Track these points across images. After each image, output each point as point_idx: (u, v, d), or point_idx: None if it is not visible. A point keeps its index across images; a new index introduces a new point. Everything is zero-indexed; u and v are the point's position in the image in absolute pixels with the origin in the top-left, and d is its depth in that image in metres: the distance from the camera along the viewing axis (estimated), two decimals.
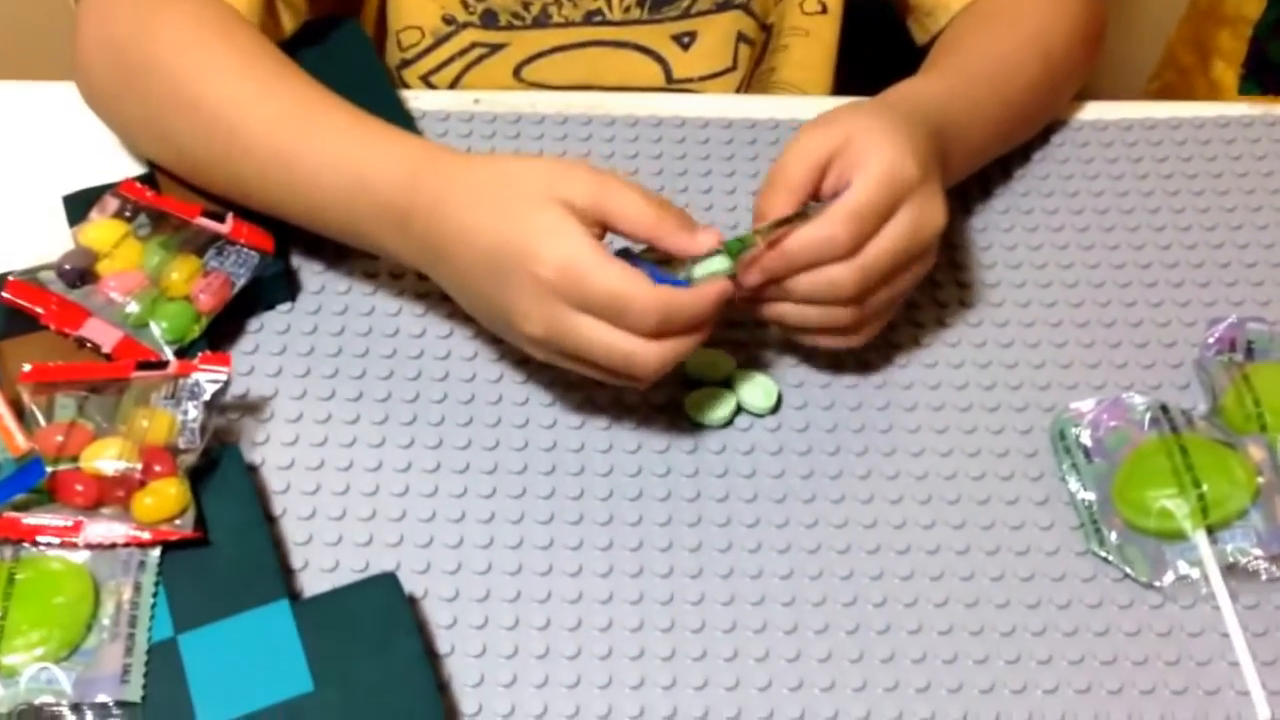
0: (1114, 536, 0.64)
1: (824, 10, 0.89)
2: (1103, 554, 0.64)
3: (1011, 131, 0.79)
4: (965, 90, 0.74)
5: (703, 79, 0.88)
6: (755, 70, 0.91)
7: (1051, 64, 0.78)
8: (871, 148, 0.64)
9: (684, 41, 0.86)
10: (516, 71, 0.87)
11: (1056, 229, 0.78)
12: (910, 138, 0.66)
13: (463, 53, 0.86)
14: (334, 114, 0.68)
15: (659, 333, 0.60)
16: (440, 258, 0.64)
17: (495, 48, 0.85)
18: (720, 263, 0.62)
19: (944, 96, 0.72)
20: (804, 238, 0.63)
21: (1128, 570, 0.63)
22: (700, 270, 0.62)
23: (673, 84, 0.88)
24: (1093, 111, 0.84)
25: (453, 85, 0.87)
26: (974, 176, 0.79)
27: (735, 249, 0.63)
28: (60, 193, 0.73)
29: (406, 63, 0.87)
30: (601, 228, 0.62)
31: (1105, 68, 0.86)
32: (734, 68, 0.88)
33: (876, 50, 0.94)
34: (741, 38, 0.87)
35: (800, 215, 0.64)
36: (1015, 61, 0.77)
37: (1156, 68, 1.24)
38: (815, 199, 0.65)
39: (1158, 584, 0.63)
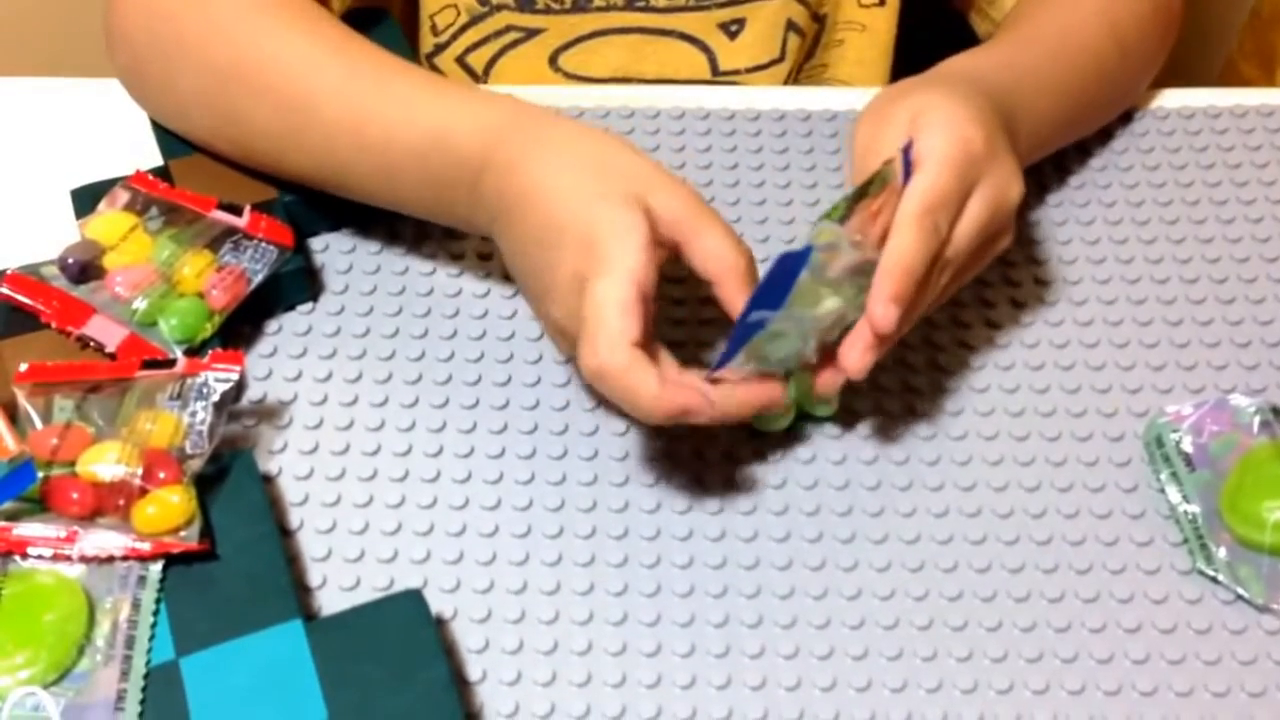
0: (1223, 553, 0.57)
1: (881, 2, 0.83)
2: (1211, 573, 0.57)
3: (1082, 106, 0.72)
4: (1027, 57, 0.69)
5: (750, 70, 0.83)
6: (805, 64, 0.85)
7: (1120, 38, 0.73)
8: (933, 128, 0.59)
9: (731, 30, 0.81)
10: (553, 59, 0.82)
11: (1142, 222, 0.72)
12: (971, 108, 0.60)
13: (497, 34, 0.81)
14: (409, 72, 0.64)
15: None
16: (504, 215, 0.59)
17: (531, 32, 0.81)
18: (833, 302, 0.57)
19: (1004, 63, 0.67)
20: (900, 249, 0.56)
21: (1240, 591, 0.57)
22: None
23: (718, 76, 0.83)
24: (1177, 99, 0.78)
25: (487, 70, 0.83)
26: (1052, 167, 0.73)
27: (835, 215, 0.57)
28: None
29: (440, 48, 0.83)
30: (673, 251, 0.58)
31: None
32: (782, 59, 0.83)
33: (934, 45, 0.89)
34: (792, 26, 0.82)
35: (877, 176, 0.58)
36: (1080, 33, 0.72)
37: (1217, 83, 1.18)
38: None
39: (1276, 606, 0.56)
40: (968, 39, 0.83)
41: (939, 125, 0.59)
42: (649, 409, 0.55)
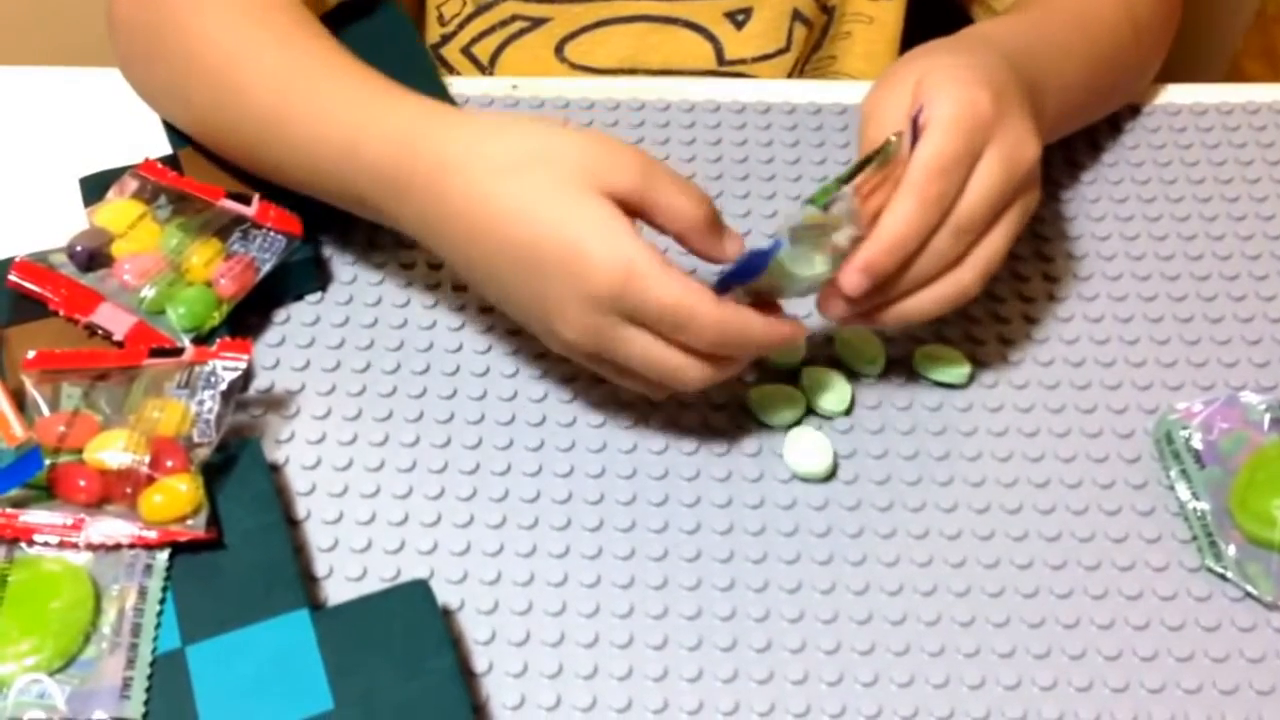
0: (1233, 550, 0.57)
1: None
2: (1220, 570, 0.57)
3: (1101, 80, 0.71)
4: (1047, 26, 0.68)
5: (756, 60, 0.82)
6: (812, 55, 0.85)
7: (1135, 20, 0.72)
8: (937, 92, 0.58)
9: (738, 19, 0.81)
10: (559, 49, 0.82)
11: (1154, 218, 0.71)
12: (979, 69, 0.59)
13: (503, 24, 0.81)
14: (336, 73, 0.62)
15: (714, 353, 0.55)
16: (447, 237, 0.57)
17: (537, 21, 0.80)
18: (822, 264, 0.56)
19: (1023, 29, 0.67)
20: (894, 219, 0.56)
21: (1249, 589, 0.56)
22: (791, 257, 0.56)
23: (724, 65, 0.82)
24: (1189, 94, 0.77)
25: (493, 60, 0.82)
26: (1063, 162, 0.73)
27: (821, 199, 0.56)
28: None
29: (446, 38, 0.82)
30: (639, 219, 0.56)
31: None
32: (788, 49, 0.83)
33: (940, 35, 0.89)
34: (799, 17, 0.82)
35: (879, 152, 0.57)
36: (1098, 10, 0.71)
37: (1223, 81, 1.18)
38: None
39: None
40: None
41: (944, 88, 0.58)
42: (764, 336, 0.55)
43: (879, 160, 0.57)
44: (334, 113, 0.60)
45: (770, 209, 0.71)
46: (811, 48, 0.85)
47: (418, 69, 0.74)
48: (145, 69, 0.70)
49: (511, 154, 0.55)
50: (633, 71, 0.81)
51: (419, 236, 0.60)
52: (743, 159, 0.74)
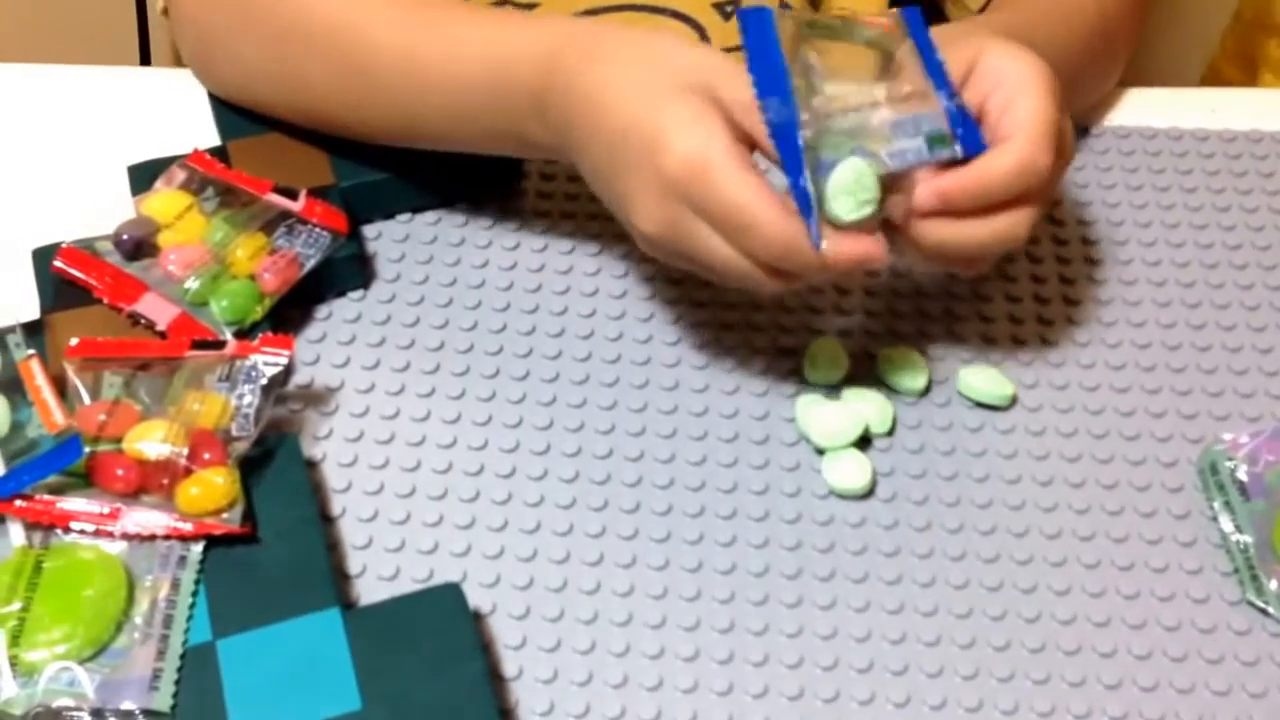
0: (1275, 585, 0.56)
1: None
2: (1261, 604, 0.56)
3: (1079, 74, 0.71)
4: (1033, 16, 0.68)
5: (739, 49, 0.82)
6: None
7: (1105, 14, 0.73)
8: (1012, 62, 0.57)
9: (726, 11, 0.81)
10: None
11: (1205, 245, 0.70)
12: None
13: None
14: (459, 9, 0.63)
15: (776, 268, 0.55)
16: (572, 137, 0.59)
17: (525, 9, 0.80)
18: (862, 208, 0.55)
19: (1017, 20, 0.67)
20: (995, 168, 0.56)
21: None
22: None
23: None
24: (1249, 120, 0.76)
25: None
26: (1116, 184, 0.72)
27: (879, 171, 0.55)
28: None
29: None
30: (749, 144, 0.56)
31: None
32: None
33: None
34: (784, 5, 0.81)
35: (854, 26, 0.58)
36: (1077, 9, 0.71)
37: (1199, 85, 1.16)
38: None
39: None
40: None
41: (1017, 60, 0.57)
42: (766, 233, 0.54)
43: (851, 37, 0.58)
44: (476, 39, 0.62)
45: None
46: None
47: None
48: (227, 55, 0.69)
49: (634, 56, 0.58)
50: None
51: (558, 151, 0.61)
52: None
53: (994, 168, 0.56)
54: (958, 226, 0.57)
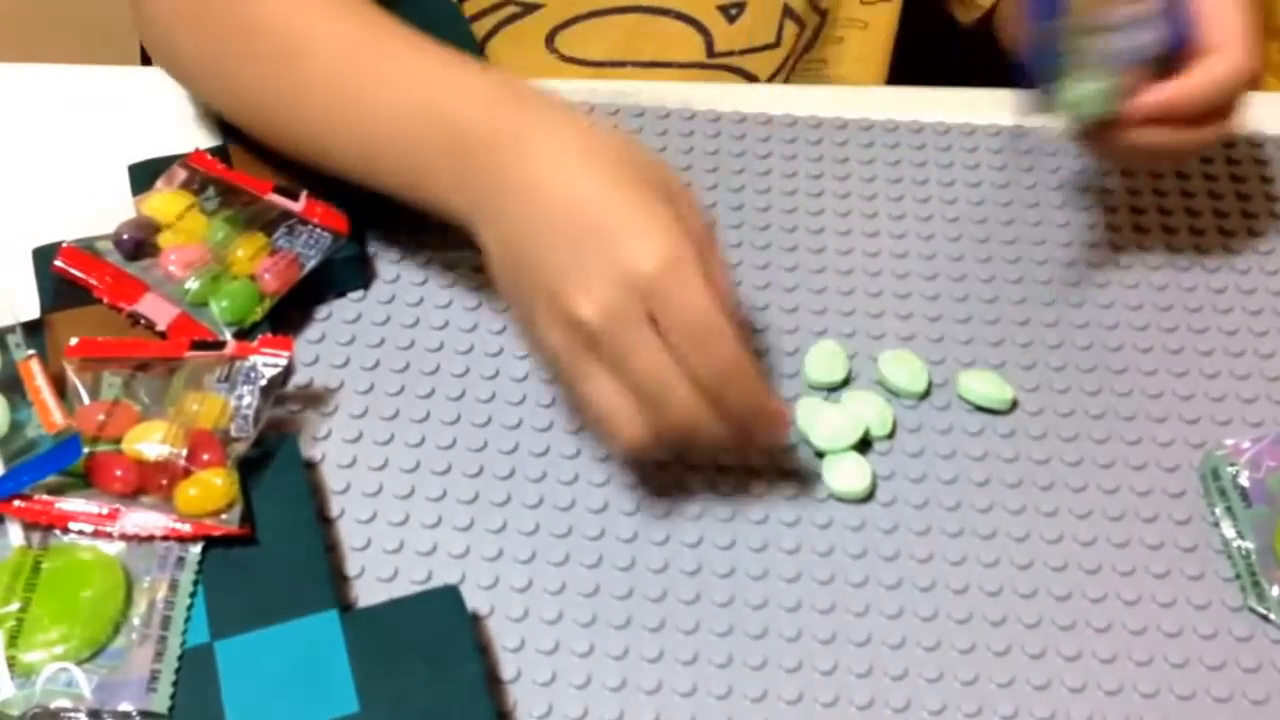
0: (1276, 591, 0.56)
1: None
2: (1262, 611, 0.56)
3: None
4: None
5: (744, 53, 0.83)
6: (803, 55, 0.86)
7: None
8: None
9: (730, 13, 0.81)
10: (550, 38, 0.81)
11: (1206, 249, 0.70)
12: None
13: (495, 8, 0.80)
14: (409, 40, 0.60)
15: (715, 386, 0.52)
16: (500, 196, 0.55)
17: (529, 8, 0.80)
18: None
19: None
20: (1226, 72, 0.60)
21: None
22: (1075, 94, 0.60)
23: (713, 57, 0.82)
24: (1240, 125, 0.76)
25: (482, 45, 0.82)
26: (1105, 188, 0.73)
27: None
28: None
29: None
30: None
31: None
32: (777, 44, 0.83)
33: (930, 37, 0.90)
34: (789, 13, 0.82)
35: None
36: None
37: None
38: None
39: None
40: (958, 29, 0.86)
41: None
42: (763, 394, 0.54)
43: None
44: (412, 73, 0.59)
45: (763, 221, 0.71)
46: (803, 48, 0.85)
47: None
48: (185, 45, 0.68)
49: (597, 139, 0.55)
50: (621, 64, 0.81)
51: (460, 205, 0.57)
52: (739, 170, 0.73)
53: (1212, 77, 0.60)
54: (1173, 132, 0.61)
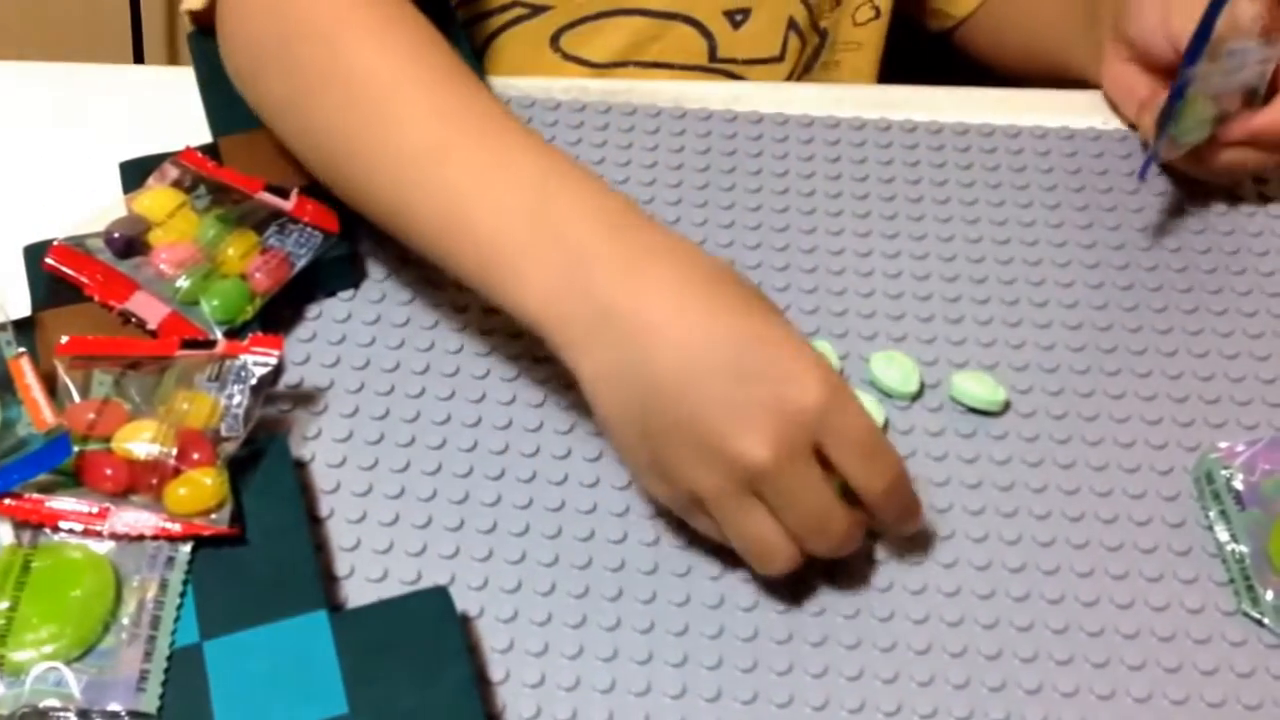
0: (1270, 596, 0.56)
1: (876, 15, 0.86)
2: (1256, 615, 0.56)
3: None
4: None
5: (747, 62, 0.83)
6: (803, 77, 0.86)
7: None
8: None
9: (736, 19, 0.81)
10: (555, 39, 0.81)
11: (1203, 251, 0.70)
12: None
13: (502, 9, 0.80)
14: (506, 125, 0.57)
15: (888, 493, 0.53)
16: (603, 326, 0.52)
17: (537, 10, 0.79)
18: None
19: None
20: None
21: None
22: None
23: (714, 62, 0.82)
24: None
25: (484, 46, 0.81)
26: (1102, 189, 0.72)
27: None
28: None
29: None
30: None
31: None
32: (781, 58, 0.83)
33: (913, 47, 0.92)
34: (793, 26, 0.82)
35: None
36: None
37: None
38: None
39: None
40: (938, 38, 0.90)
41: None
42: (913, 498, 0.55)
43: None
44: (518, 158, 0.56)
45: (755, 220, 0.71)
46: (804, 68, 0.85)
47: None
48: (265, 87, 0.64)
49: (713, 276, 0.53)
50: (624, 65, 0.81)
51: (556, 326, 0.54)
52: (730, 169, 0.73)
53: None
54: (1254, 154, 0.69)
